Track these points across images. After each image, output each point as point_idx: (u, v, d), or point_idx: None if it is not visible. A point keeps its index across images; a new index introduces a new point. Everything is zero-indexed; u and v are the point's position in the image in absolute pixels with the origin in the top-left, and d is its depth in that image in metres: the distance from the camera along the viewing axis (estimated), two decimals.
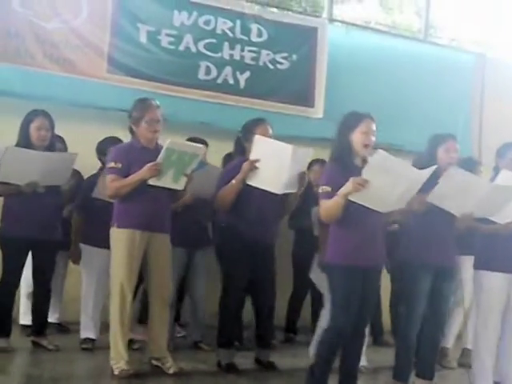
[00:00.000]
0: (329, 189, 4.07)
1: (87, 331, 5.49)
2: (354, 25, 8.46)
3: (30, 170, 5.05)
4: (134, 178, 4.61)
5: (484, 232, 4.66)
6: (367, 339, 5.27)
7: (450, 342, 5.83)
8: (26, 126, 5.20)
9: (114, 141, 5.52)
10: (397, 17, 9.12)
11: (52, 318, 5.73)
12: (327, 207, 4.08)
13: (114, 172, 4.66)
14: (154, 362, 4.86)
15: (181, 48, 7.14)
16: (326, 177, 4.21)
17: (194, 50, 7.19)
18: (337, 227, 4.15)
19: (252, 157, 4.82)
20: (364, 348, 5.21)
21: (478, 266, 4.77)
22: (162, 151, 4.57)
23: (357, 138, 4.16)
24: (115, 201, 4.77)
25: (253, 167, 4.79)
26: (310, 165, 6.20)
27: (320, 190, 4.16)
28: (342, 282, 4.10)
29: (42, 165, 5.08)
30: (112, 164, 4.68)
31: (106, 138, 5.69)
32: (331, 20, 8.15)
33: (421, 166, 4.36)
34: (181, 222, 5.20)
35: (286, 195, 4.96)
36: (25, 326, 5.61)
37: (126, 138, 5.51)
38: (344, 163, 4.13)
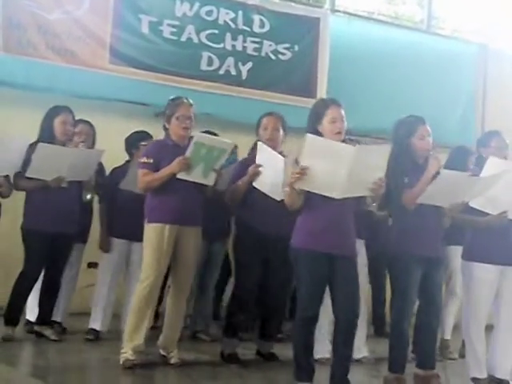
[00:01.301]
0: None
1: (95, 322, 5.53)
2: (356, 15, 8.46)
3: (58, 166, 5.11)
4: (164, 171, 4.67)
5: (477, 225, 4.66)
6: (366, 331, 5.33)
7: (448, 333, 5.84)
8: (49, 121, 5.25)
9: (142, 134, 5.61)
10: (399, 7, 9.11)
11: (54, 316, 5.62)
12: (285, 198, 4.13)
13: (146, 167, 4.73)
14: (162, 352, 4.89)
15: (183, 39, 7.15)
16: None
17: (196, 40, 7.19)
18: (300, 212, 4.15)
19: (257, 161, 4.91)
20: (364, 339, 5.26)
21: (467, 258, 4.77)
22: (190, 145, 4.62)
23: (326, 128, 4.12)
24: (147, 195, 4.82)
25: (257, 171, 4.89)
26: None
27: None
28: (304, 266, 4.10)
29: (70, 161, 5.14)
30: (144, 159, 4.76)
31: (134, 132, 5.71)
32: (333, 11, 8.15)
33: (397, 157, 4.27)
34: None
35: None
36: (30, 322, 5.61)
37: (128, 128, 5.56)
38: None
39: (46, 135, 5.22)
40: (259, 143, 4.97)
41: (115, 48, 6.78)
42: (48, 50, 6.47)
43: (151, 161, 4.73)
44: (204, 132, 5.42)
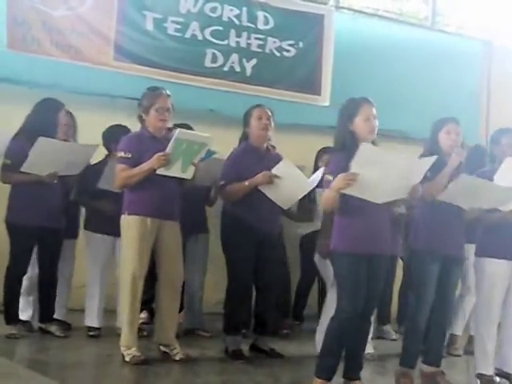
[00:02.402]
0: (330, 178, 4.03)
1: (92, 319, 5.53)
2: (360, 12, 8.43)
3: (55, 161, 5.11)
4: (143, 168, 4.62)
5: (491, 222, 4.66)
6: (373, 328, 5.31)
7: (459, 329, 5.83)
8: (53, 114, 5.23)
9: (120, 128, 5.54)
10: (404, 4, 9.07)
11: (56, 314, 5.61)
12: (324, 197, 4.08)
13: (124, 162, 4.68)
14: (162, 348, 4.88)
15: (187, 35, 7.12)
16: (331, 166, 4.19)
17: (200, 37, 7.17)
18: (340, 215, 4.13)
19: (274, 171, 4.92)
20: (370, 335, 5.25)
21: (480, 253, 4.78)
22: (172, 141, 4.58)
23: (360, 126, 4.12)
24: (125, 190, 4.78)
25: (270, 181, 4.90)
26: (319, 154, 6.27)
27: (324, 178, 4.15)
28: (347, 270, 4.09)
29: (66, 156, 5.14)
30: (122, 154, 4.70)
31: (112, 126, 5.71)
32: (338, 7, 8.13)
33: (425, 152, 4.38)
34: None
35: None
36: (23, 322, 5.60)
37: (132, 125, 5.54)
38: (347, 152, 4.08)
39: (51, 129, 5.16)
40: (285, 159, 5.00)
41: (119, 45, 6.76)
42: (52, 46, 6.44)
43: (129, 155, 4.66)
44: (178, 125, 5.38)
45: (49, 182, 5.15)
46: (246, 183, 4.95)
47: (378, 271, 4.19)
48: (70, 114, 5.64)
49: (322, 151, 6.30)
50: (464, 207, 4.46)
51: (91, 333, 5.48)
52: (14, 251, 5.22)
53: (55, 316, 5.55)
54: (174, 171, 4.68)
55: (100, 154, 5.65)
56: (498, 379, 4.74)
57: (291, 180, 4.92)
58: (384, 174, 3.92)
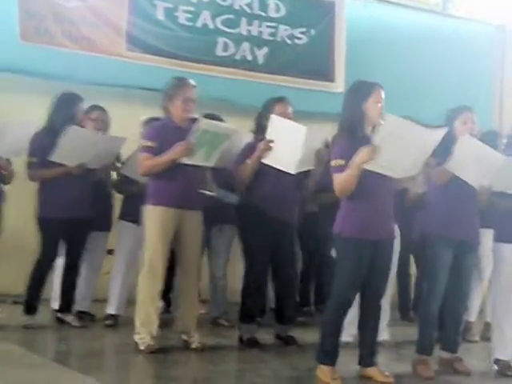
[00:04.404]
0: (342, 162, 4.02)
1: (112, 307, 5.57)
2: None
3: (84, 152, 5.14)
4: (167, 157, 4.63)
5: (506, 207, 4.64)
6: (388, 314, 5.33)
7: (473, 315, 5.84)
8: (70, 109, 5.23)
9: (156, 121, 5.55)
10: None
11: (80, 306, 5.67)
12: (341, 181, 4.03)
13: (148, 151, 4.69)
14: (183, 337, 4.90)
15: (198, 24, 7.13)
16: (337, 150, 4.17)
17: (211, 26, 7.17)
18: (349, 199, 4.12)
19: (268, 136, 4.85)
20: (386, 322, 5.26)
21: (498, 239, 4.76)
22: (195, 131, 4.58)
23: (371, 107, 4.11)
24: (148, 179, 4.81)
25: (268, 147, 4.83)
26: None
27: (333, 164, 4.11)
28: (350, 254, 4.10)
29: (95, 147, 5.17)
30: (146, 142, 4.72)
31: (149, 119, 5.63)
32: None
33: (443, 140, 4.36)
34: None
35: (306, 172, 4.97)
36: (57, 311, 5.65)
37: (145, 115, 5.56)
38: (355, 134, 4.08)
39: (69, 123, 5.13)
40: (272, 116, 4.87)
41: (131, 35, 6.77)
42: (65, 37, 6.46)
43: (153, 144, 4.68)
44: (207, 115, 5.38)
45: (76, 173, 5.18)
46: (248, 161, 4.93)
47: (384, 256, 4.21)
48: (102, 109, 5.66)
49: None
50: (473, 185, 4.42)
51: (107, 322, 5.51)
52: (44, 245, 5.26)
53: (80, 308, 5.60)
54: (197, 159, 4.71)
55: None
56: None
57: (285, 134, 4.79)
58: (406, 147, 3.91)
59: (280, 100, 5.11)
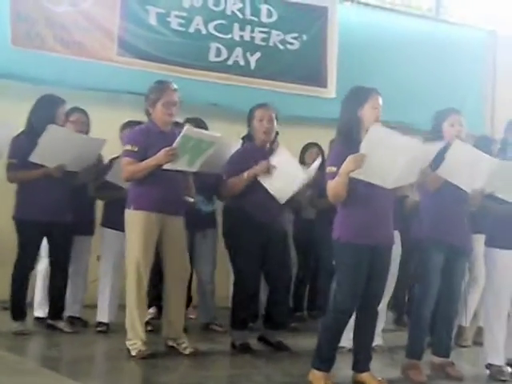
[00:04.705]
0: (334, 169, 4.02)
1: (102, 315, 5.53)
2: (364, 4, 8.39)
3: (63, 152, 5.10)
4: (150, 162, 4.61)
5: (499, 212, 4.64)
6: (384, 320, 5.31)
7: (467, 320, 5.82)
8: (51, 111, 5.18)
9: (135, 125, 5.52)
10: None
11: (70, 311, 5.63)
12: (331, 187, 4.04)
13: (130, 155, 4.66)
14: (170, 343, 4.88)
15: (191, 30, 7.13)
16: (332, 157, 4.19)
17: (204, 31, 7.17)
18: (344, 205, 4.12)
19: (272, 162, 4.93)
20: (381, 327, 5.25)
21: (489, 244, 4.76)
22: (179, 137, 4.55)
23: (368, 113, 4.11)
24: (130, 184, 4.78)
25: (268, 170, 4.90)
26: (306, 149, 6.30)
27: (327, 171, 4.12)
28: (349, 260, 4.09)
29: (75, 147, 5.13)
30: (128, 147, 4.68)
31: (130, 122, 5.61)
32: None
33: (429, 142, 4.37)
34: None
35: None
36: (39, 319, 5.60)
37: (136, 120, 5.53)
38: (352, 140, 4.07)
39: (44, 123, 5.08)
40: (280, 147, 5.02)
41: (123, 40, 6.77)
42: (56, 42, 6.45)
43: (136, 149, 4.64)
44: (190, 119, 5.43)
45: (56, 175, 5.15)
46: (245, 175, 4.94)
47: (382, 262, 4.20)
48: (83, 111, 5.64)
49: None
50: (466, 189, 4.41)
51: (99, 328, 5.48)
52: (21, 247, 5.22)
53: (70, 313, 5.56)
54: (181, 165, 4.68)
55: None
56: (509, 369, 4.72)
57: (288, 169, 4.89)
58: (394, 156, 3.90)
59: (261, 106, 5.13)
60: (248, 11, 7.38)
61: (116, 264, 5.53)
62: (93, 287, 5.78)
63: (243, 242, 5.00)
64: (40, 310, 5.62)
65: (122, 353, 4.71)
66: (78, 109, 5.60)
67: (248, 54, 7.36)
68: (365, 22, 7.96)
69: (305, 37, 7.60)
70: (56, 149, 5.05)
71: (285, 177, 4.87)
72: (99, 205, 5.76)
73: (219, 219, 5.75)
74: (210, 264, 5.84)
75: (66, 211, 5.29)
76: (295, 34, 7.58)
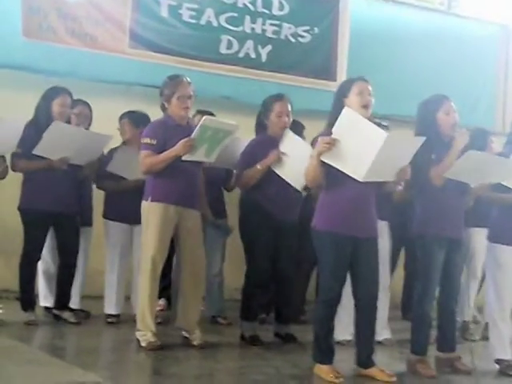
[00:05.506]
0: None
1: (110, 307, 5.55)
2: None
3: (67, 147, 5.12)
4: (169, 154, 4.63)
5: (505, 202, 4.63)
6: (387, 313, 5.31)
7: (469, 315, 5.82)
8: (48, 102, 5.23)
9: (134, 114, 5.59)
10: None
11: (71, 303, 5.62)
12: (307, 171, 4.10)
13: (149, 148, 4.68)
14: (184, 334, 4.89)
15: (202, 22, 7.12)
16: (317, 143, 4.16)
17: (215, 23, 7.16)
18: (324, 193, 4.15)
19: (281, 148, 4.95)
20: (385, 321, 5.25)
21: (492, 240, 4.75)
22: (197, 128, 4.58)
23: (353, 100, 4.12)
24: (147, 176, 4.80)
25: (279, 158, 4.92)
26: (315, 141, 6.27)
27: (310, 154, 4.16)
28: (327, 249, 4.11)
29: (79, 142, 5.15)
30: (147, 140, 4.70)
31: (128, 112, 5.69)
32: None
33: (420, 134, 4.27)
34: None
35: None
36: (48, 308, 5.63)
37: (147, 112, 5.55)
38: None
39: (43, 116, 5.17)
40: (287, 130, 5.01)
41: (135, 32, 6.76)
42: (67, 34, 6.46)
43: (154, 142, 4.67)
44: (200, 111, 5.46)
45: (59, 167, 5.17)
46: (258, 166, 4.97)
47: (368, 255, 4.19)
48: (87, 103, 5.66)
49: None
50: (471, 184, 4.41)
51: (109, 320, 5.50)
52: (27, 237, 5.26)
53: (71, 305, 5.56)
54: (198, 156, 4.71)
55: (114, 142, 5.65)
56: None
57: (297, 152, 4.86)
58: (364, 147, 3.86)
59: (279, 98, 5.12)
60: (259, 4, 7.36)
61: (122, 255, 5.56)
62: (91, 278, 5.82)
63: (256, 235, 5.03)
64: (45, 300, 5.64)
65: (132, 344, 4.74)
66: (81, 101, 5.63)
67: (259, 47, 7.35)
68: (376, 16, 7.93)
69: (316, 30, 7.58)
70: (60, 143, 5.07)
71: (297, 160, 4.81)
72: (99, 197, 5.76)
73: (231, 211, 5.79)
74: (219, 255, 5.86)
75: (72, 202, 5.33)
76: (307, 27, 7.56)
